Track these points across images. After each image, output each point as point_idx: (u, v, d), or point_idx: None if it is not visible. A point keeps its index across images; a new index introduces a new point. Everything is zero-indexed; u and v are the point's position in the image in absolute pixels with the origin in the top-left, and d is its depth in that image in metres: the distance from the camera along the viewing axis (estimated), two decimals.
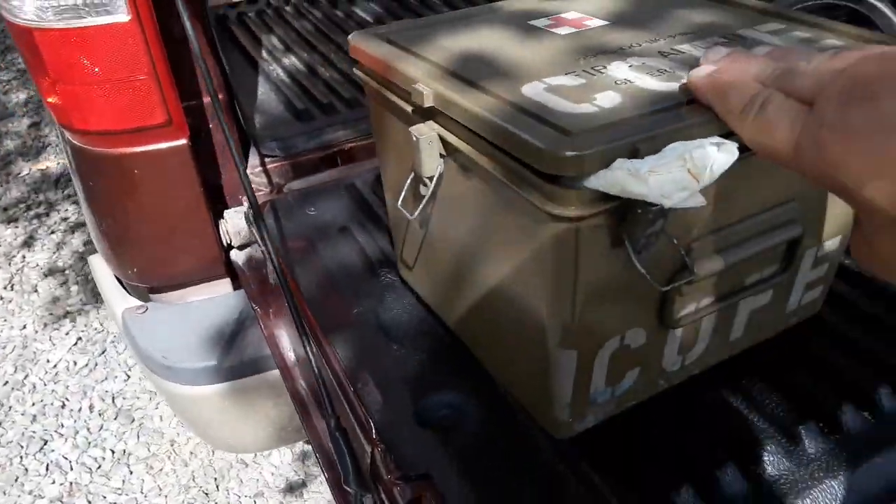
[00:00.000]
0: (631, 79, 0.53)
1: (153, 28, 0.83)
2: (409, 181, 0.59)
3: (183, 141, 0.92)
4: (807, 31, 0.60)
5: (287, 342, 0.89)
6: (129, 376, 1.69)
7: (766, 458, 0.58)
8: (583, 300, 0.50)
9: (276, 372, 0.95)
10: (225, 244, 1.03)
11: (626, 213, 0.47)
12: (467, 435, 0.61)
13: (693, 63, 0.54)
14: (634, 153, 0.45)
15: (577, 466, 0.58)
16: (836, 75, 0.35)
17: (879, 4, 0.82)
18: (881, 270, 0.36)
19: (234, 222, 1.02)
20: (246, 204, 1.03)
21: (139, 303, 1.01)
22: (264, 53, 1.39)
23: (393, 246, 0.81)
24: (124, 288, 1.04)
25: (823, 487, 0.56)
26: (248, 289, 0.97)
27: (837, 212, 0.62)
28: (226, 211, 1.03)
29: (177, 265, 0.99)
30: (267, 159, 1.08)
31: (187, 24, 0.78)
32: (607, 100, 0.50)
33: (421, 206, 0.58)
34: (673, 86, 0.51)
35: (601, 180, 0.44)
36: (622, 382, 0.58)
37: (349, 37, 0.66)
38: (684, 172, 0.44)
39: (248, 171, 1.06)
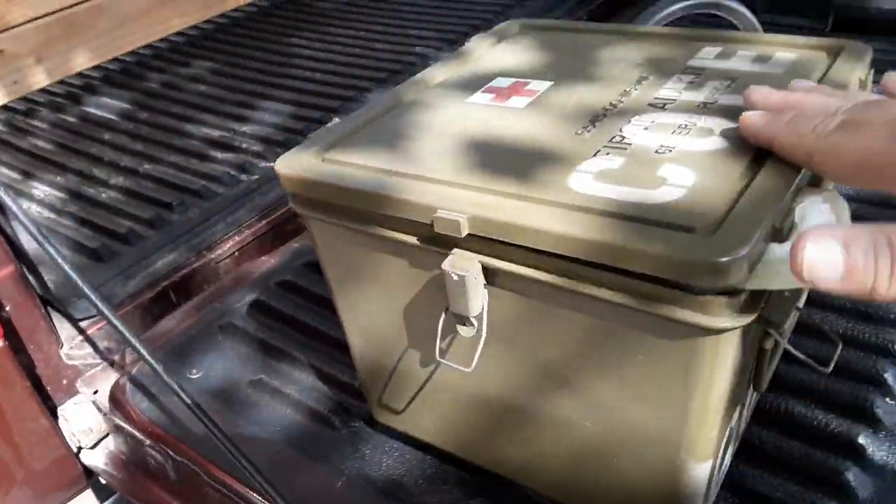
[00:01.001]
0: (669, 144, 0.47)
1: None
2: (441, 325, 0.48)
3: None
4: (746, 47, 0.59)
5: None
6: None
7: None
8: (722, 406, 0.44)
9: None
10: (74, 448, 0.80)
11: (769, 301, 0.41)
12: None
13: (693, 108, 0.51)
14: (779, 234, 0.39)
15: None
16: None
17: (739, 7, 0.86)
18: None
19: (81, 418, 0.80)
20: (86, 389, 0.81)
21: None
22: None
23: (348, 387, 0.67)
24: None
25: None
26: (136, 491, 0.76)
27: None
28: (60, 408, 0.80)
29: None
30: (83, 323, 0.86)
31: None
32: (680, 176, 0.43)
33: (477, 354, 0.47)
34: (718, 141, 0.46)
35: (768, 279, 0.38)
36: (724, 465, 0.53)
37: (276, 166, 0.52)
38: None
39: (66, 349, 0.84)
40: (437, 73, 0.63)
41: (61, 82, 1.43)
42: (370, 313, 0.55)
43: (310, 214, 0.52)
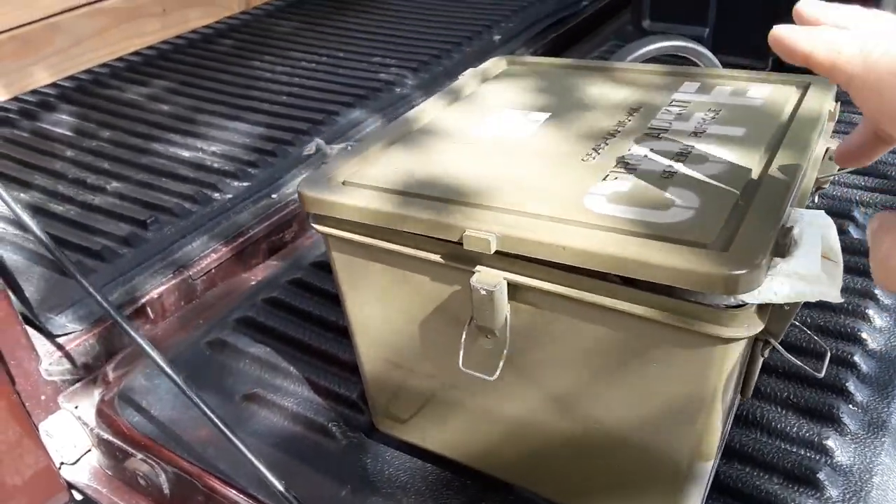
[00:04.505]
0: (671, 169, 0.52)
1: None
2: (464, 336, 0.51)
3: None
4: (722, 82, 0.65)
5: None
6: None
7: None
8: (724, 409, 0.48)
9: None
10: (57, 464, 0.79)
11: (771, 313, 0.45)
12: None
13: (685, 136, 0.56)
14: (783, 250, 0.44)
15: None
16: None
17: (706, 52, 0.92)
18: None
19: (64, 433, 0.79)
20: (68, 405, 0.81)
21: None
22: None
23: (357, 400, 0.69)
24: None
25: None
26: None
27: None
28: (42, 424, 0.80)
29: None
30: (61, 339, 0.86)
31: None
32: (686, 198, 0.48)
33: (501, 363, 0.50)
34: (714, 166, 0.51)
35: (777, 292, 0.42)
36: (714, 464, 0.57)
37: (299, 188, 0.54)
38: (819, 257, 0.44)
39: (45, 365, 0.83)
40: (437, 104, 0.66)
41: (16, 99, 1.41)
42: (384, 328, 0.58)
43: (331, 234, 0.55)
